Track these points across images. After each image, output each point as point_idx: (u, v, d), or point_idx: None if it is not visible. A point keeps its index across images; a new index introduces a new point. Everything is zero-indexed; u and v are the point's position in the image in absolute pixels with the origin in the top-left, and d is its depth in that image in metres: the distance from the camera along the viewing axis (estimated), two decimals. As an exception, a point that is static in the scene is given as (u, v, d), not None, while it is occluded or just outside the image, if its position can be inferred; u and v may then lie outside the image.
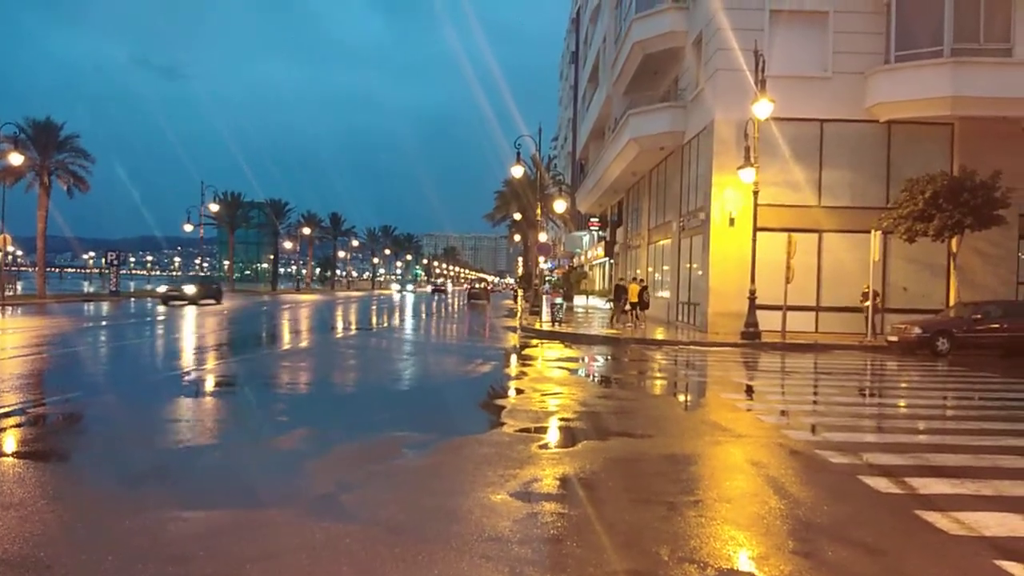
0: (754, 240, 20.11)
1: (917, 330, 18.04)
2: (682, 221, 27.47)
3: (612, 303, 28.53)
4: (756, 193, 20.10)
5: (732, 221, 22.53)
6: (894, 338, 18.58)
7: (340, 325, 27.23)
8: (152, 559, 4.14)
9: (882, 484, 6.03)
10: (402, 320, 31.50)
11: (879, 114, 22.18)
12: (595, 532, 4.71)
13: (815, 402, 11.11)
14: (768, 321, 20.23)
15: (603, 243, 48.10)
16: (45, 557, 4.19)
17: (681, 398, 11.74)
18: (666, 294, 30.39)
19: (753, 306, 19.93)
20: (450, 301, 64.05)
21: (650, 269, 34.50)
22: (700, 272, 24.53)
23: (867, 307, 21.11)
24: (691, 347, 19.22)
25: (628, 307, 25.39)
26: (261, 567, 4.07)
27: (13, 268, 48.55)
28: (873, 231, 20.49)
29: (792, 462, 6.79)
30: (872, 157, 23.01)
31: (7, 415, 8.26)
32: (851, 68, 22.30)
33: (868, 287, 21.12)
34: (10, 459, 6.55)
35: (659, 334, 22.32)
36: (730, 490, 5.93)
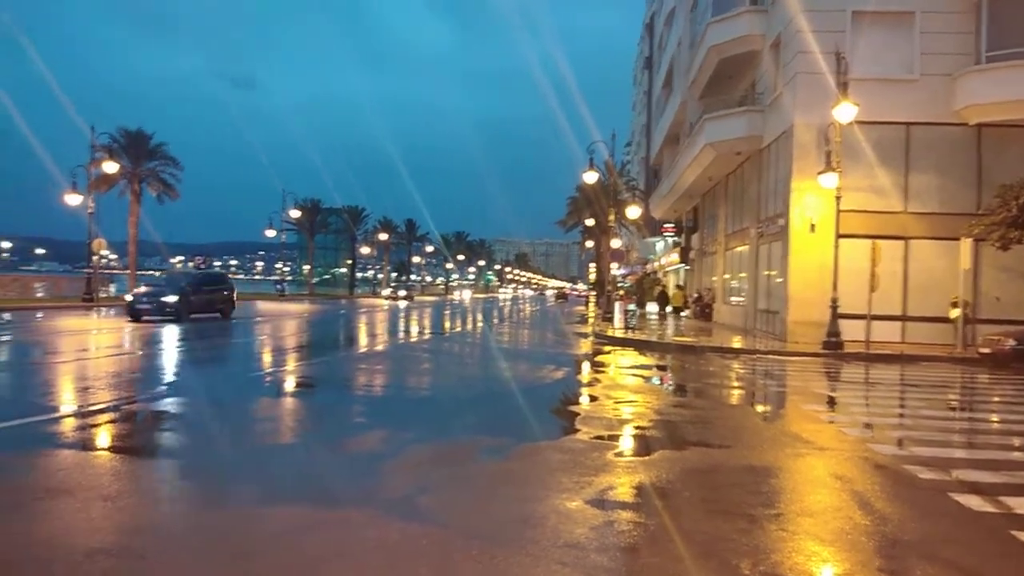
0: (836, 247, 19.53)
1: (1011, 342, 17.17)
2: (760, 227, 26.90)
3: (658, 307, 31.78)
4: (838, 199, 19.52)
5: (813, 227, 21.93)
6: (986, 350, 17.74)
7: (416, 330, 27.62)
8: (235, 553, 4.27)
9: (974, 502, 5.76)
10: (474, 325, 31.73)
11: (969, 117, 21.27)
12: (673, 542, 4.63)
13: (902, 415, 10.69)
14: (851, 331, 19.60)
15: (678, 249, 47.50)
16: (138, 547, 4.37)
17: (760, 408, 11.47)
18: (742, 301, 29.82)
19: (835, 315, 19.34)
20: (526, 306, 64.23)
21: (726, 276, 33.89)
22: (779, 279, 23.97)
23: (957, 317, 20.24)
24: (770, 356, 18.77)
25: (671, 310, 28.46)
26: (339, 564, 4.15)
27: (106, 271, 51.03)
28: (963, 238, 19.64)
29: (877, 477, 6.55)
30: (962, 161, 22.07)
31: (103, 411, 8.66)
32: (939, 69, 21.47)
33: (957, 296, 20.24)
34: (106, 453, 6.88)
35: (736, 342, 21.87)
36: (812, 504, 5.76)
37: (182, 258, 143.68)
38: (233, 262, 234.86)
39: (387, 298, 71.47)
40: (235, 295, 30.30)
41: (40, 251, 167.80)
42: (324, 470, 6.35)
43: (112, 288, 49.44)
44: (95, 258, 39.26)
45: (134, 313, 24.96)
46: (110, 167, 39.23)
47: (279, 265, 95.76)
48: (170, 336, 19.86)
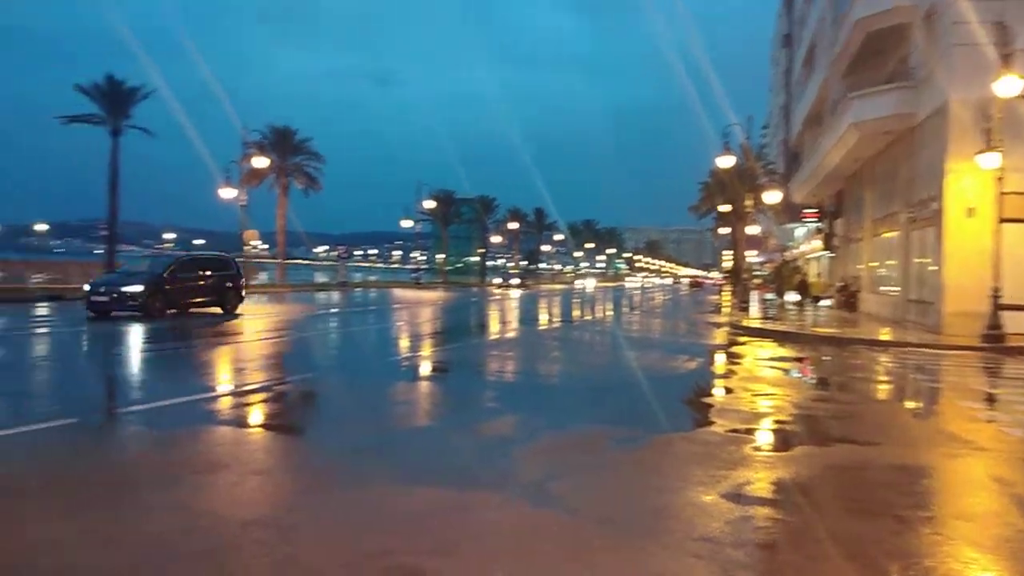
0: (997, 232, 18.05)
1: None
2: (911, 212, 25.24)
3: (799, 296, 31.21)
4: (1000, 180, 18.02)
5: (971, 211, 20.35)
6: None
7: (545, 317, 27.81)
8: (378, 530, 4.44)
9: None
10: (602, 313, 31.58)
11: None
12: (814, 541, 4.44)
13: (1074, 415, 9.79)
14: (1015, 323, 18.06)
15: (821, 235, 45.36)
16: (288, 521, 4.63)
17: (910, 405, 10.82)
18: (891, 290, 28.16)
19: (996, 306, 17.88)
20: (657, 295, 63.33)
21: (873, 264, 32.10)
22: (933, 267, 22.44)
23: None
24: (922, 349, 17.61)
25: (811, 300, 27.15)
26: (475, 545, 4.25)
27: (257, 260, 54.43)
28: None
29: (1046, 481, 6.03)
30: None
31: (256, 391, 9.26)
32: (1119, 35, 19.32)
33: None
34: (259, 430, 7.35)
35: (884, 334, 20.69)
36: (970, 507, 5.38)
37: (326, 247, 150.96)
38: (372, 251, 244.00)
39: (499, 287, 67.37)
40: (243, 283, 24.27)
41: (199, 241, 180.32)
42: (458, 453, 6.49)
43: (263, 276, 52.69)
44: (246, 248, 41.95)
45: (95, 308, 19.62)
46: (260, 162, 41.88)
47: (415, 254, 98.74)
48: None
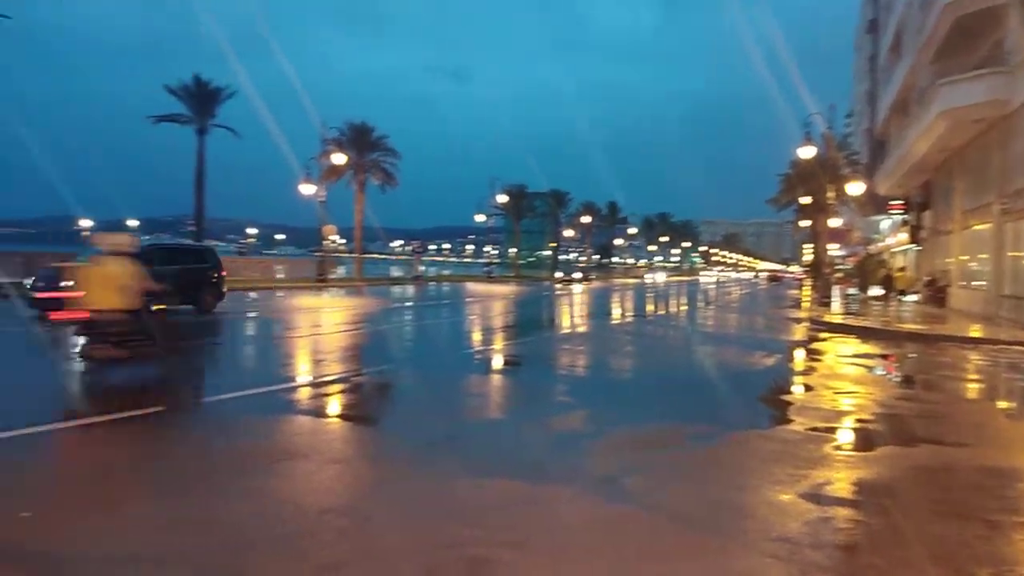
0: (1102, 224, 17.05)
1: None
2: (1005, 203, 24.05)
3: (883, 290, 29.59)
4: (1106, 168, 17.01)
5: (1072, 202, 19.30)
6: None
7: (618, 312, 27.60)
8: (451, 521, 4.50)
9: None
10: (678, 308, 31.14)
11: None
12: (897, 544, 4.30)
13: None
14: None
15: (907, 228, 43.65)
16: (364, 508, 4.76)
17: (1003, 404, 10.31)
18: (983, 285, 26.92)
19: (1099, 301, 16.92)
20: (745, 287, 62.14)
21: (963, 257, 30.73)
22: (1028, 261, 21.35)
23: None
24: (1015, 347, 16.78)
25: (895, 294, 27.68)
26: (548, 539, 4.26)
27: (336, 255, 55.71)
28: None
29: None
30: None
31: (334, 382, 9.48)
32: None
33: None
34: (336, 420, 7.53)
35: (975, 331, 19.79)
36: (1068, 514, 5.11)
37: (401, 242, 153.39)
38: (446, 246, 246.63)
39: (559, 281, 64.68)
40: (223, 275, 20.40)
41: (280, 237, 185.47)
42: (530, 446, 6.49)
43: (341, 270, 53.89)
44: (325, 243, 42.95)
45: (39, 306, 15.62)
46: (339, 159, 42.83)
47: (487, 248, 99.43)
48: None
